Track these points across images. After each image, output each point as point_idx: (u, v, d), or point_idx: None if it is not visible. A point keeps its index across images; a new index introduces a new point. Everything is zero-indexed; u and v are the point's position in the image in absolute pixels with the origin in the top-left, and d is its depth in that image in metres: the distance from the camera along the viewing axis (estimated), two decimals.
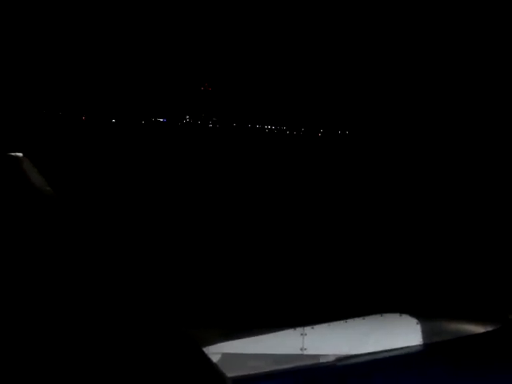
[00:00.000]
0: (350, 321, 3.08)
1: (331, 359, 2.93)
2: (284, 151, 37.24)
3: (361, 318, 3.08)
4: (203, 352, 1.90)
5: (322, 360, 2.93)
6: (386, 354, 2.94)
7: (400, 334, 3.02)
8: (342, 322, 3.06)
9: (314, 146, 44.48)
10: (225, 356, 2.84)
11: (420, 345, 2.98)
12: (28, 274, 2.08)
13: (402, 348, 2.97)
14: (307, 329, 3.01)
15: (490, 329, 3.03)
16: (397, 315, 3.11)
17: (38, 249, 2.37)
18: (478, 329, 3.03)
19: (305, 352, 2.95)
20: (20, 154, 5.23)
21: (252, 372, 2.82)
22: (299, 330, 3.00)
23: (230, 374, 2.26)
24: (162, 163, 26.54)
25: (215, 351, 2.80)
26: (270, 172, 25.20)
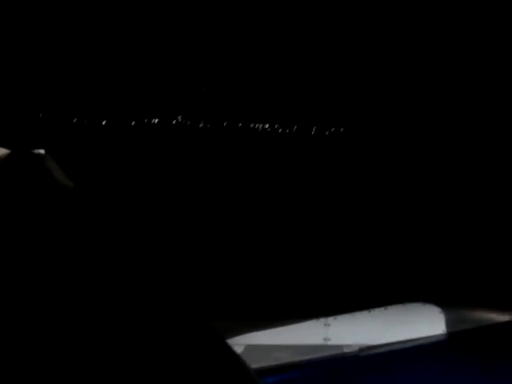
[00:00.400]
0: (373, 311, 3.07)
1: (355, 349, 2.93)
2: (278, 150, 37.31)
3: (384, 308, 3.08)
4: (226, 343, 1.92)
5: (345, 350, 2.94)
6: (410, 344, 2.93)
7: (423, 323, 3.01)
8: (365, 311, 3.06)
9: (309, 145, 44.22)
10: (248, 347, 2.86)
11: (444, 334, 2.97)
12: (53, 271, 2.11)
13: (426, 337, 2.96)
14: (330, 319, 3.01)
15: None
16: (420, 304, 3.09)
17: (61, 245, 2.41)
18: (503, 317, 3.01)
19: (328, 342, 2.96)
20: (42, 151, 5.28)
21: (275, 363, 2.83)
22: (322, 320, 3.00)
23: (253, 365, 2.28)
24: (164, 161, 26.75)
25: (238, 342, 2.82)
26: (266, 171, 25.15)
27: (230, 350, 1.79)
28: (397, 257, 10.17)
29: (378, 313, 3.06)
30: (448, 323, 2.99)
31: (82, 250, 2.34)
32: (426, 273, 8.95)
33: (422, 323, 3.01)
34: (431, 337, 2.96)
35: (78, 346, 1.58)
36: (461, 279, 8.47)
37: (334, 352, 2.91)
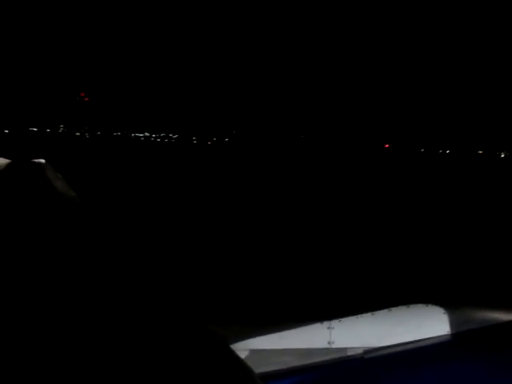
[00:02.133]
0: (376, 313, 3.06)
1: (359, 352, 2.92)
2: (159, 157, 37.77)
3: (387, 310, 3.06)
4: (230, 349, 1.91)
5: (349, 353, 2.92)
6: (415, 345, 2.92)
7: (428, 324, 2.99)
8: (368, 314, 3.05)
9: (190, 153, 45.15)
10: (252, 352, 2.84)
11: (449, 335, 2.96)
12: (53, 279, 2.10)
13: (430, 338, 2.95)
14: (334, 322, 2.99)
15: None
16: (423, 306, 3.08)
17: (62, 254, 2.40)
18: (507, 316, 2.99)
19: (332, 346, 2.94)
20: (42, 161, 5.27)
21: (280, 367, 2.82)
22: (326, 323, 2.99)
23: (257, 370, 2.27)
24: None
25: (242, 348, 2.81)
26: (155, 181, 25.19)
27: (233, 355, 1.78)
28: (399, 259, 10.15)
29: (381, 315, 3.05)
30: (452, 324, 2.97)
31: (84, 254, 2.33)
32: (429, 274, 8.93)
33: (426, 324, 3.00)
34: (436, 338, 2.95)
35: (78, 351, 1.57)
36: (464, 279, 8.45)
37: (338, 355, 2.90)
